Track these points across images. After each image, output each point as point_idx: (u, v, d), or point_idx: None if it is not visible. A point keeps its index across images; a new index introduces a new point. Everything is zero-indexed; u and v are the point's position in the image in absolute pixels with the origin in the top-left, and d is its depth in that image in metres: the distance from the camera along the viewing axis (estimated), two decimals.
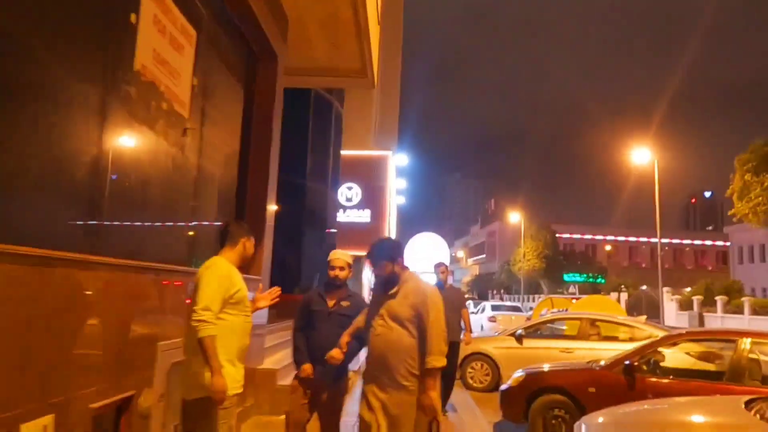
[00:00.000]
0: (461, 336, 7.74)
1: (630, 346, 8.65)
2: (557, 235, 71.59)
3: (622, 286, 48.60)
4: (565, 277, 70.55)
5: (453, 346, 6.28)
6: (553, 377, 6.29)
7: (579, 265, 72.42)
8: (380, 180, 22.09)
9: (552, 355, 9.22)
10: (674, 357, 6.07)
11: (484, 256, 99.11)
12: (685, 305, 36.87)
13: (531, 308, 27.68)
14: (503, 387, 6.74)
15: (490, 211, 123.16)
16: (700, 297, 35.11)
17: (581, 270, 72.72)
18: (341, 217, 21.98)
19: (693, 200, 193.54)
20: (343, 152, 22.64)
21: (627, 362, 5.78)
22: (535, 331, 10.05)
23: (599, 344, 9.18)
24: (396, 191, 31.69)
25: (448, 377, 6.75)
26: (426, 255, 39.04)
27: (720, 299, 32.75)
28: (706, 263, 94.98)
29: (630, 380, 5.67)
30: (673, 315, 36.36)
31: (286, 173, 10.54)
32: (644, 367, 5.85)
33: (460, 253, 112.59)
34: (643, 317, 10.56)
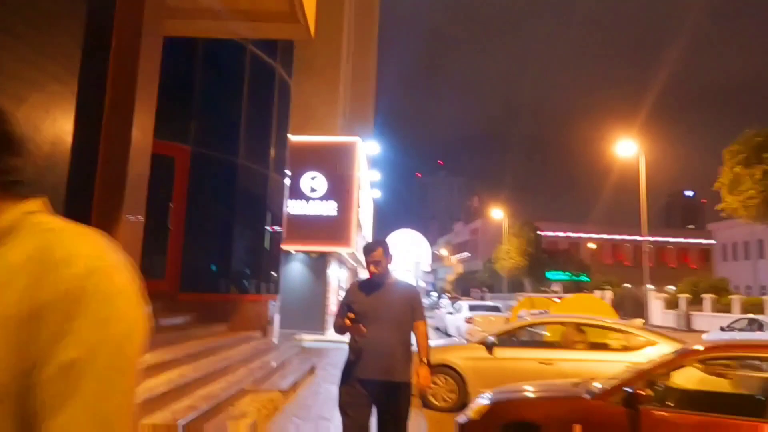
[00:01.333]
0: (411, 371, 3.98)
1: (628, 357, 6.97)
2: (540, 233, 70.51)
3: (606, 285, 47.37)
4: (548, 275, 69.49)
5: (400, 390, 3.86)
6: (526, 409, 4.57)
7: (562, 263, 71.36)
8: (347, 169, 20.28)
9: (529, 367, 7.53)
10: (693, 379, 4.35)
11: (467, 253, 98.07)
12: (671, 304, 35.65)
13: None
14: (460, 419, 5.00)
15: (474, 208, 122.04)
16: (687, 295, 33.88)
17: (564, 268, 71.69)
18: (303, 208, 20.17)
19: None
20: (305, 138, 20.79)
21: (628, 389, 4.07)
22: (509, 337, 8.33)
23: (586, 354, 7.50)
24: (370, 184, 29.88)
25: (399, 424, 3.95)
26: (405, 252, 37.66)
27: (708, 297, 31.53)
28: (688, 261, 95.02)
29: (632, 415, 3.95)
30: (658, 314, 35.10)
31: (202, 147, 8.68)
32: (651, 396, 4.11)
33: (444, 251, 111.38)
34: (640, 320, 8.91)
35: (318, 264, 20.69)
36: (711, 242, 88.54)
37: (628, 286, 43.23)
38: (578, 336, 7.78)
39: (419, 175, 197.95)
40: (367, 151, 22.66)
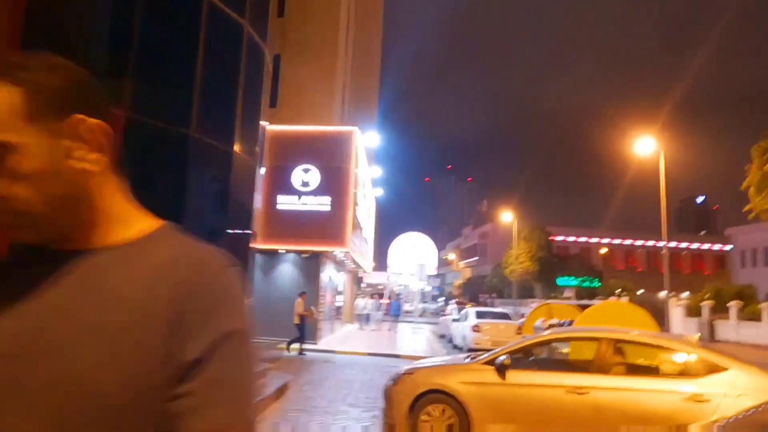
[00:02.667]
0: None
1: (688, 387, 5.11)
2: (551, 237, 68.51)
3: (621, 291, 45.17)
4: (559, 281, 67.35)
5: None
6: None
7: (573, 269, 69.14)
8: (343, 161, 18.48)
9: (553, 397, 5.69)
10: None
11: (476, 258, 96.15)
12: (693, 311, 33.49)
13: (523, 315, 24.11)
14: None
15: (483, 213, 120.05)
16: (711, 302, 31.71)
17: (576, 273, 69.44)
18: (294, 204, 18.41)
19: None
20: (297, 127, 19.03)
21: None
22: (526, 357, 6.45)
23: (629, 381, 5.63)
24: (372, 181, 28.05)
25: None
26: (411, 254, 35.84)
27: (734, 305, 29.37)
28: (703, 267, 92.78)
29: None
30: (679, 322, 32.97)
31: (140, 112, 6.89)
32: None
33: (452, 256, 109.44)
34: (695, 336, 7.01)
35: (310, 265, 18.88)
36: (727, 248, 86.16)
37: (642, 291, 41.08)
38: (617, 356, 5.91)
39: (428, 180, 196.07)
40: (367, 144, 20.88)
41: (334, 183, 18.31)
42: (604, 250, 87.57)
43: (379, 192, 32.09)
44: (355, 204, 19.05)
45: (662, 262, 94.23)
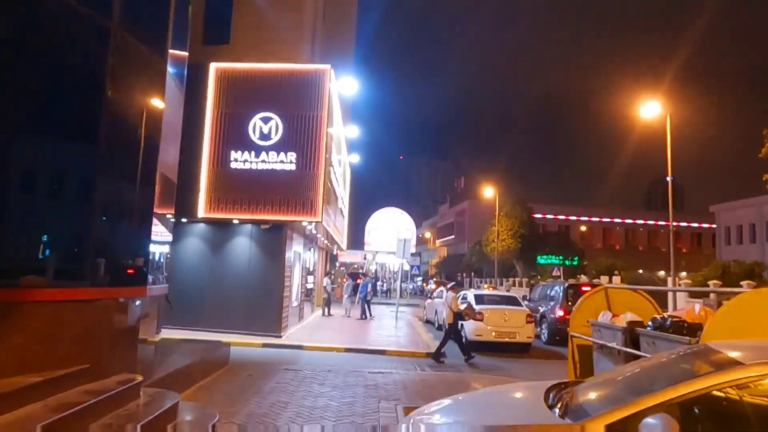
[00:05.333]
0: None
1: None
2: (531, 215, 65.86)
3: (611, 270, 42.44)
4: (540, 260, 64.82)
5: None
6: None
7: (553, 247, 66.60)
8: (312, 108, 14.67)
9: None
10: None
11: (453, 236, 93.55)
12: (696, 292, 30.81)
13: (526, 298, 20.76)
14: None
15: (460, 190, 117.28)
16: (717, 282, 29.01)
17: (555, 252, 66.90)
18: (250, 161, 14.62)
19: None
20: (255, 65, 15.08)
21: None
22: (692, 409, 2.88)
23: None
24: (348, 143, 24.19)
25: None
26: (390, 231, 32.33)
27: (745, 285, 26.68)
28: (681, 245, 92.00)
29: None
30: (682, 304, 30.24)
31: None
32: None
33: (428, 234, 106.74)
34: None
35: (272, 240, 15.12)
36: (705, 226, 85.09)
37: (641, 272, 38.38)
38: None
39: (402, 158, 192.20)
40: (342, 91, 16.98)
41: (302, 135, 14.48)
42: (583, 228, 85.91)
43: (356, 158, 28.24)
44: (329, 164, 15.28)
45: (640, 241, 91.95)
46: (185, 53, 8.17)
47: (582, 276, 50.42)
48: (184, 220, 15.18)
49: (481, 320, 14.66)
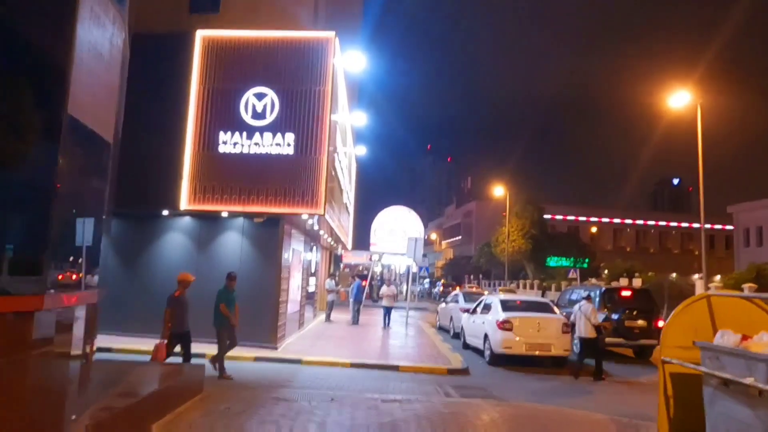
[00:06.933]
0: None
1: None
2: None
3: (628, 273, 40.01)
4: (550, 262, 62.59)
5: None
6: None
7: (563, 248, 64.36)
8: (314, 82, 12.63)
9: None
10: None
11: (459, 238, 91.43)
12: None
13: (555, 302, 18.57)
14: None
15: (466, 190, 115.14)
16: (752, 285, 26.79)
17: (565, 254, 64.59)
18: (242, 144, 12.59)
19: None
20: (246, 33, 13.04)
21: None
22: None
23: None
24: (354, 132, 22.08)
25: None
26: (401, 229, 30.32)
27: None
28: (693, 247, 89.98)
29: None
30: None
31: None
32: None
33: (433, 236, 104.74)
34: None
35: (267, 236, 13.05)
36: (718, 227, 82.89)
37: (652, 274, 36.11)
38: None
39: (429, 147, 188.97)
40: (348, 67, 14.88)
41: (302, 114, 12.43)
42: (594, 229, 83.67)
43: (362, 151, 26.12)
44: (333, 149, 13.22)
45: (651, 242, 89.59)
46: None
47: (592, 279, 48.20)
48: (165, 213, 13.14)
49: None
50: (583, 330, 11.97)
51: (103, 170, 4.78)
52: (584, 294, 16.56)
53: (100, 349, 11.79)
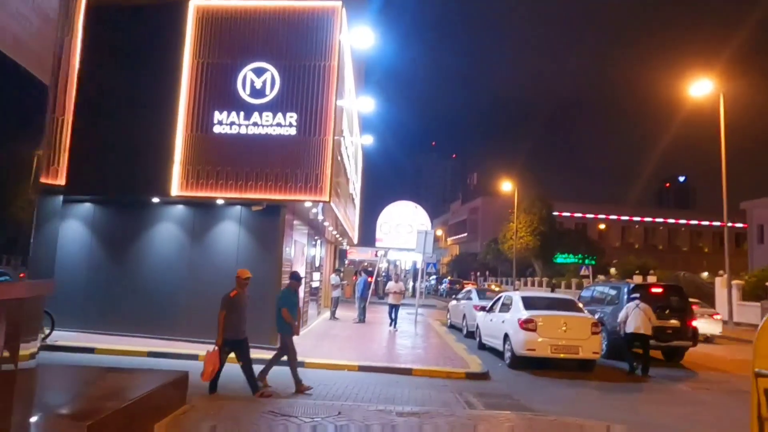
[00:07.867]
0: None
1: None
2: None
3: (650, 270, 38.66)
4: (557, 258, 61.37)
5: None
6: None
7: (571, 245, 63.11)
8: (318, 56, 11.47)
9: None
10: None
11: (465, 234, 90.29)
12: (749, 294, 27.45)
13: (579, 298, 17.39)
14: None
15: (472, 186, 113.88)
16: None
17: (573, 251, 63.30)
18: (239, 124, 11.45)
19: (667, 184, 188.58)
20: (244, 2, 11.89)
21: None
22: None
23: None
24: (360, 117, 20.90)
25: None
26: (408, 224, 29.22)
27: None
28: (702, 244, 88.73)
29: None
30: (732, 306, 26.83)
31: None
32: None
33: (438, 232, 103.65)
34: None
35: (267, 226, 11.92)
36: (728, 225, 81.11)
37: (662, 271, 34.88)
38: None
39: (434, 144, 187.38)
40: (355, 44, 13.71)
41: (306, 91, 11.28)
42: (602, 226, 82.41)
43: (369, 140, 24.94)
44: (339, 130, 12.07)
45: (660, 239, 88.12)
46: None
47: (600, 276, 47.00)
48: (154, 200, 12.03)
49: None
50: (642, 326, 11.89)
51: (39, 123, 3.64)
52: (611, 292, 15.43)
53: (81, 350, 10.71)
